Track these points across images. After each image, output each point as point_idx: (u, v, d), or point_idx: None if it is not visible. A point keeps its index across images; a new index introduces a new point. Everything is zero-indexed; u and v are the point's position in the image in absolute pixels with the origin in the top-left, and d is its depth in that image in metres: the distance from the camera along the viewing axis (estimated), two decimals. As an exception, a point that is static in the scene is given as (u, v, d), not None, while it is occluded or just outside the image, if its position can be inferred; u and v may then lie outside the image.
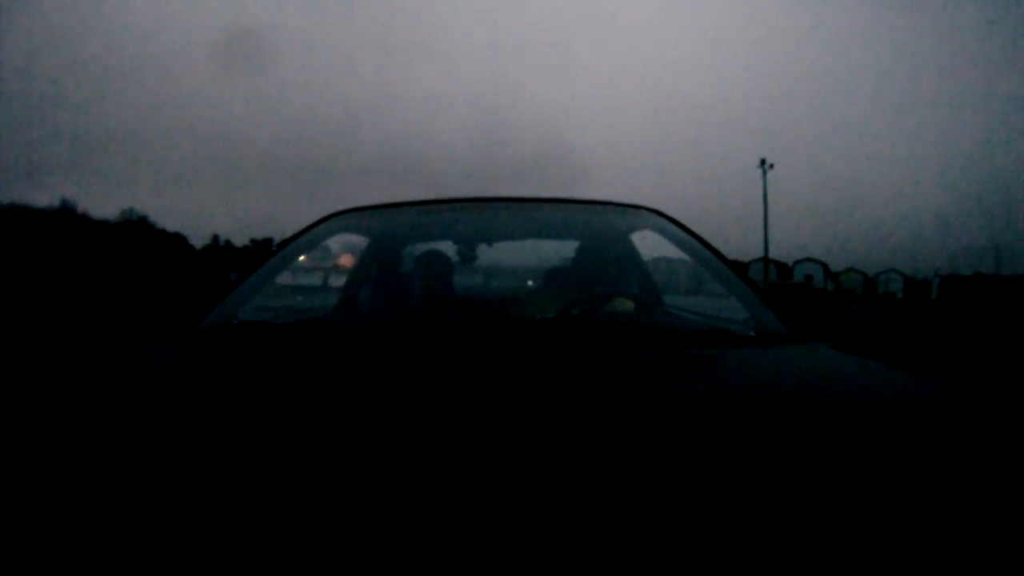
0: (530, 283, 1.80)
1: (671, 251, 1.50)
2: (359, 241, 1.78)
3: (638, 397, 0.73)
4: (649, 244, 1.67)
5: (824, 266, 50.83)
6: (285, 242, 1.49)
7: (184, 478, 0.52)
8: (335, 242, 1.65)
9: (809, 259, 51.12)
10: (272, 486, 0.50)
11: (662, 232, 1.52)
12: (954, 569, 0.42)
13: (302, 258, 1.50)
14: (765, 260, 31.92)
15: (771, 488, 0.50)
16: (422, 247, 1.77)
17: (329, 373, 0.86)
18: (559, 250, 1.84)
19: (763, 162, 31.16)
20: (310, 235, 1.51)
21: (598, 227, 1.68)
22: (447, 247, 1.68)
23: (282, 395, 0.76)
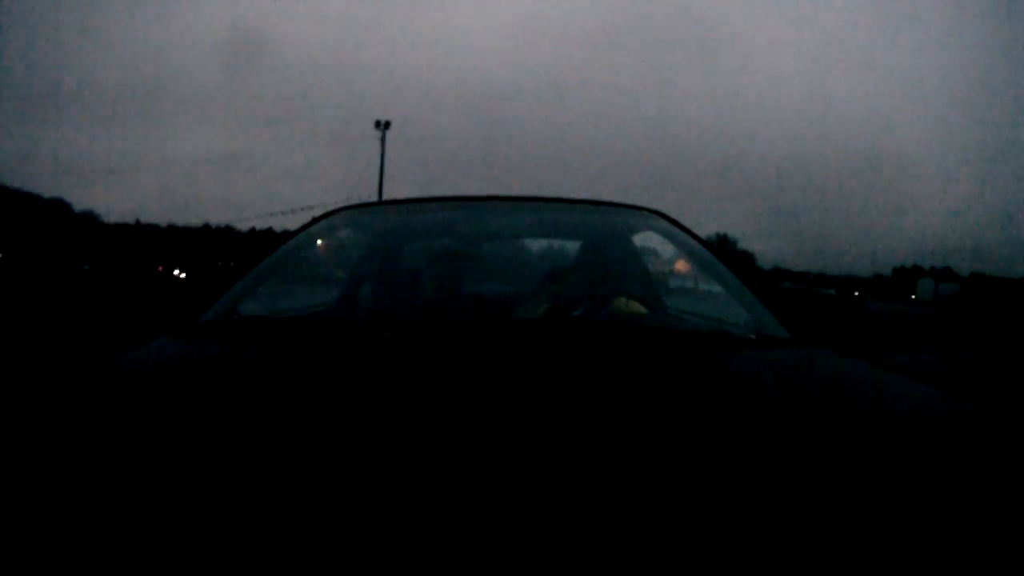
0: (530, 283, 1.80)
1: (672, 253, 1.50)
2: (360, 238, 1.78)
3: (638, 398, 0.73)
4: (650, 245, 1.67)
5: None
6: (288, 238, 1.49)
7: (176, 470, 0.52)
8: (336, 238, 1.65)
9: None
10: (266, 480, 0.50)
11: (663, 233, 1.52)
12: (955, 571, 0.42)
13: (304, 254, 1.50)
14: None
15: (771, 492, 0.50)
16: (422, 245, 1.77)
17: (327, 368, 0.85)
18: (560, 250, 1.84)
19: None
20: (312, 231, 1.51)
21: (599, 228, 1.68)
22: (447, 245, 1.68)
23: (280, 389, 0.75)
